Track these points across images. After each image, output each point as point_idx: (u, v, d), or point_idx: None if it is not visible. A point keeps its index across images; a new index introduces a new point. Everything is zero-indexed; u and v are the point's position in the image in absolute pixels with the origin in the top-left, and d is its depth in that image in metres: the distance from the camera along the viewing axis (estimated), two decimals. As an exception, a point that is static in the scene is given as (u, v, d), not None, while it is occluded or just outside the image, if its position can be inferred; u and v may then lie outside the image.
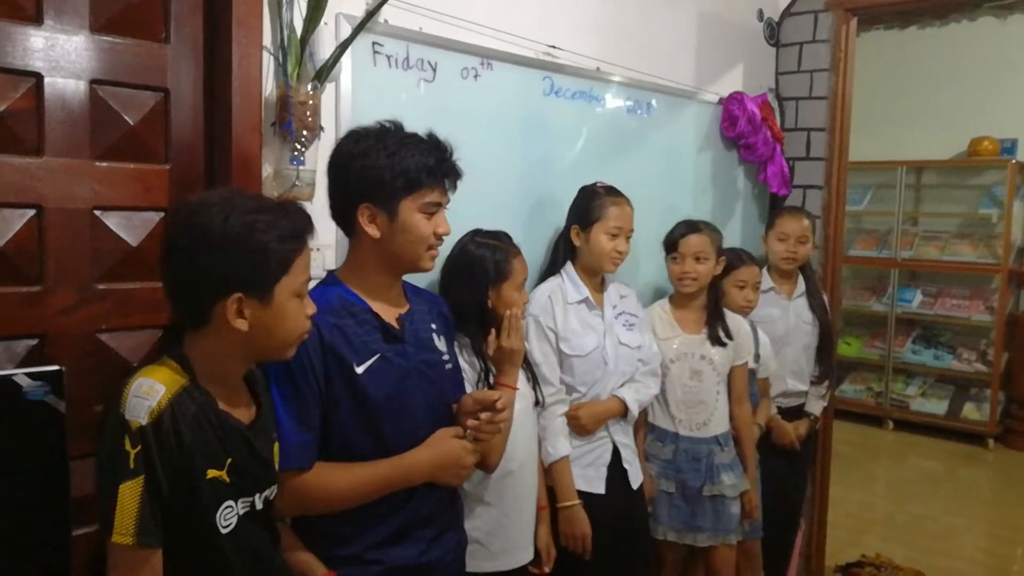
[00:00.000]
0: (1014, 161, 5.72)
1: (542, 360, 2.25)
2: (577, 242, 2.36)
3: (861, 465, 5.31)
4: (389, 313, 1.66)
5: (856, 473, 5.01)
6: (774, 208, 3.37)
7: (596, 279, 2.40)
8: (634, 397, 2.38)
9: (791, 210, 3.14)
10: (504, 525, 2.00)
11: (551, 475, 2.22)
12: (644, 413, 2.54)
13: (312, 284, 1.85)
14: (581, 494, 2.25)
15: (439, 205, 1.63)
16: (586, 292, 2.34)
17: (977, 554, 4.08)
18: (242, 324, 1.29)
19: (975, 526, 4.47)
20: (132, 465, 1.19)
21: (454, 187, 1.67)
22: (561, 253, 2.41)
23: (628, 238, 2.34)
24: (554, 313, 2.28)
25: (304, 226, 1.36)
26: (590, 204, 2.36)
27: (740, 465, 2.63)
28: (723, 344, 2.59)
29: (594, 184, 2.40)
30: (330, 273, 1.70)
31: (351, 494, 1.57)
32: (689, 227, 2.61)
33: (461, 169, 1.66)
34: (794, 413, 3.04)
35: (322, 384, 1.54)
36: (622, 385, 2.39)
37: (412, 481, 1.61)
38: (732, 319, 2.67)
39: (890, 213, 6.25)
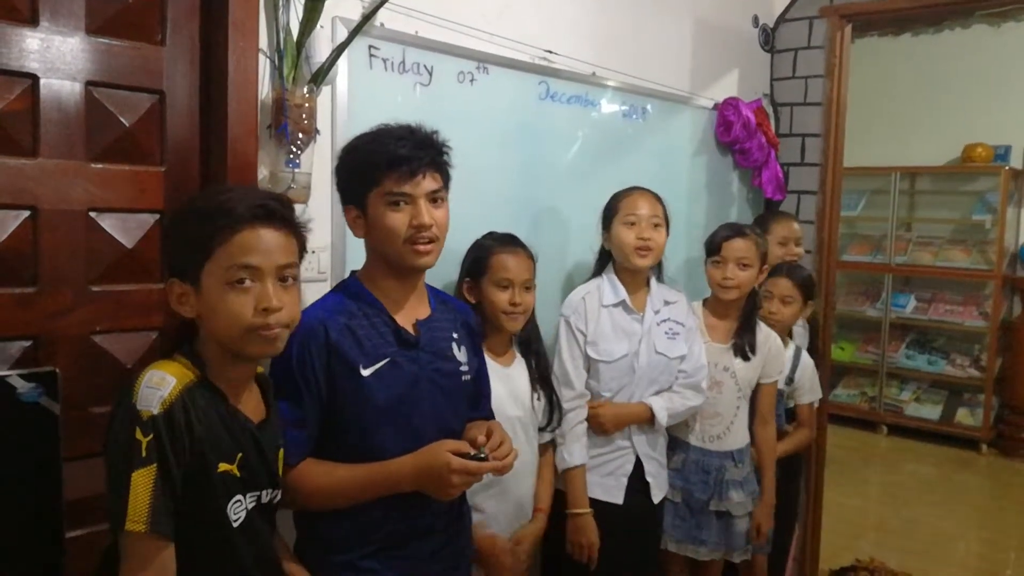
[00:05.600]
0: (1007, 167, 5.74)
1: (569, 362, 2.23)
2: (608, 246, 2.34)
3: (855, 470, 5.31)
4: (406, 317, 1.63)
5: (850, 478, 5.01)
6: (768, 212, 3.38)
7: (638, 280, 2.34)
8: (664, 405, 2.30)
9: (782, 214, 3.16)
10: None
11: (564, 481, 2.21)
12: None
13: (318, 285, 1.88)
14: (598, 503, 2.23)
15: (407, 195, 1.53)
16: (624, 295, 2.30)
17: (970, 559, 4.10)
18: (186, 310, 1.32)
19: (968, 531, 4.47)
20: (144, 454, 1.19)
21: (423, 173, 1.54)
22: (600, 261, 2.38)
23: (657, 226, 2.26)
24: (586, 315, 2.26)
25: (228, 209, 1.29)
26: (608, 205, 2.34)
27: (754, 482, 2.53)
28: (746, 358, 2.47)
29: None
30: (352, 274, 1.68)
31: (329, 492, 1.54)
32: (734, 230, 2.49)
33: (433, 153, 1.57)
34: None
35: (323, 384, 1.52)
36: (655, 394, 2.33)
37: (395, 488, 1.53)
38: (765, 335, 2.54)
39: (884, 219, 6.26)
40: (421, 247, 1.55)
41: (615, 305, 2.30)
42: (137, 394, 1.22)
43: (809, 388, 2.77)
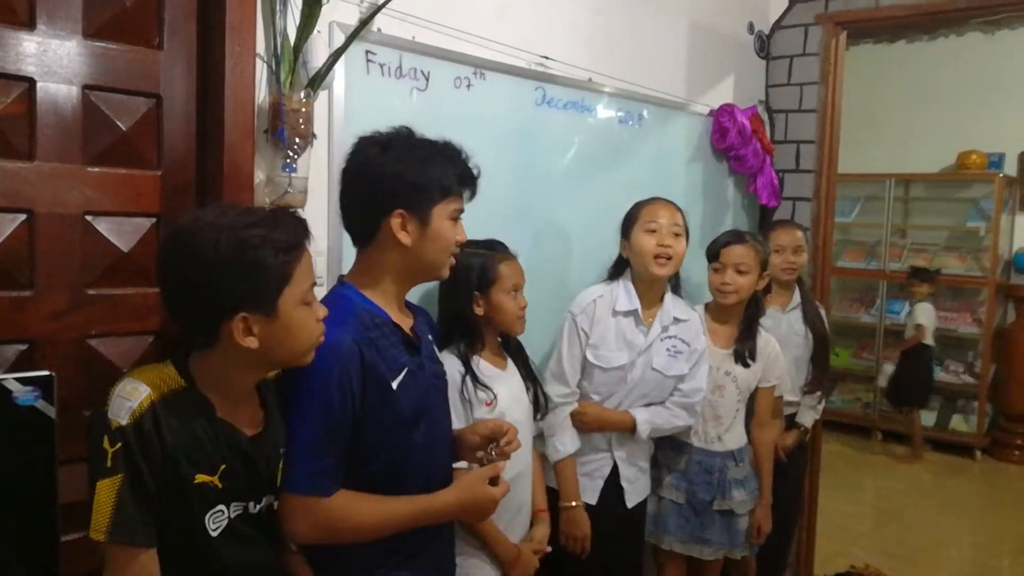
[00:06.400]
0: (1002, 175, 5.77)
1: (567, 360, 2.24)
2: (626, 254, 2.32)
3: (849, 476, 5.32)
4: (404, 324, 1.62)
5: (844, 484, 5.02)
6: (763, 219, 3.39)
7: (654, 292, 2.33)
8: (648, 419, 2.30)
9: (782, 223, 3.16)
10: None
11: (555, 474, 2.21)
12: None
13: (315, 290, 1.86)
14: None
15: (461, 212, 1.61)
16: (637, 304, 2.29)
17: (964, 565, 4.10)
18: (252, 342, 1.28)
19: (963, 537, 4.48)
20: (110, 463, 1.20)
21: (472, 195, 1.65)
22: (616, 267, 2.37)
23: (677, 235, 2.26)
24: (593, 318, 2.26)
25: (298, 234, 1.34)
26: (628, 213, 2.33)
27: (754, 481, 2.58)
28: (746, 364, 2.52)
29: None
30: (343, 279, 1.63)
31: (373, 528, 1.50)
32: (734, 236, 2.54)
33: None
34: (785, 424, 3.04)
35: (358, 407, 1.48)
36: (645, 406, 2.33)
37: (437, 520, 1.57)
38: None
39: (879, 225, 6.28)
40: (453, 261, 1.64)
41: (626, 314, 2.29)
42: (110, 402, 1.23)
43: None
